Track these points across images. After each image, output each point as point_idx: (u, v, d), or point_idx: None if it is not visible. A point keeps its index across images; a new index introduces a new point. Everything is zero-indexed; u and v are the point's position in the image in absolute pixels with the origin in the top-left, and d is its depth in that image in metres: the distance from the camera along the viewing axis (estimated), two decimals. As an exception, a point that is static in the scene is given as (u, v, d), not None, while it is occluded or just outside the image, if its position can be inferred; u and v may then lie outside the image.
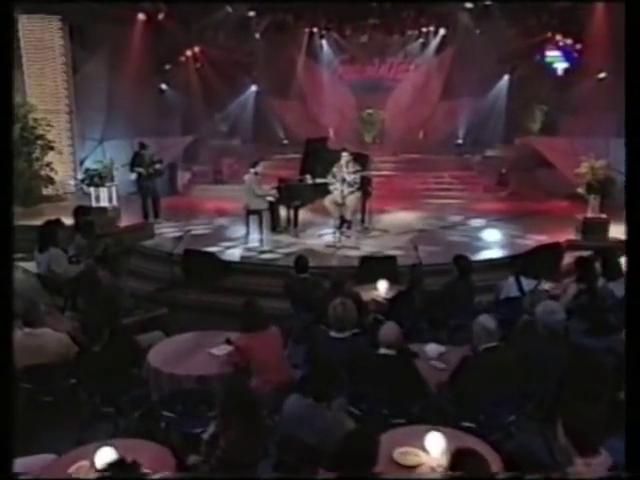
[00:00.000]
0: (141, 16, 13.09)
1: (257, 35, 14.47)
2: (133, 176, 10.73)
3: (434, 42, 15.56)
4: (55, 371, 4.64)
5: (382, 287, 6.54)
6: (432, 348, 4.89)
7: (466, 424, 3.95)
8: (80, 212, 7.83)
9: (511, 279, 6.08)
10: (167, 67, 14.55)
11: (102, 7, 12.53)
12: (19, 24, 12.24)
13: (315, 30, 15.58)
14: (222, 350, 4.86)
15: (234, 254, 8.99)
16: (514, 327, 5.17)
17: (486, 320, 4.27)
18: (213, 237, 9.98)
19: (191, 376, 4.53)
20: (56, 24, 12.63)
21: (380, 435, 3.22)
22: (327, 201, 9.28)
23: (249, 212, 9.93)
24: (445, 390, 4.31)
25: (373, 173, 10.59)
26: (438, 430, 3.48)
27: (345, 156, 9.18)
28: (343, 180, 8.97)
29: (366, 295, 6.25)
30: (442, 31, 15.35)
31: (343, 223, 9.17)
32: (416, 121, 16.05)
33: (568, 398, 3.69)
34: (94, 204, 10.78)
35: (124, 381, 4.53)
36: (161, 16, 13.18)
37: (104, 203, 10.87)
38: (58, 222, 7.20)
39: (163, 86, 15.04)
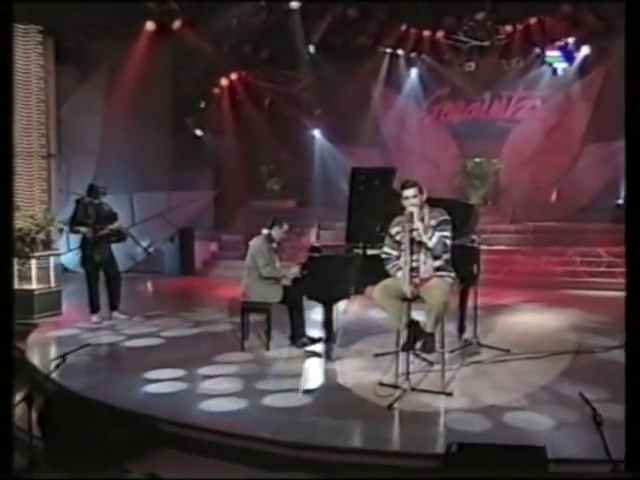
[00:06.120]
0: (150, 25, 9.39)
1: (311, 48, 10.22)
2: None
3: (575, 62, 10.81)
4: None
5: None
6: None
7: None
8: None
9: None
10: (194, 103, 10.82)
11: (99, 20, 9.12)
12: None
13: (400, 52, 11.35)
14: None
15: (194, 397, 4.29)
16: None
17: None
18: (182, 350, 5.39)
19: None
20: (34, 37, 9.26)
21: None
22: (380, 293, 4.22)
23: (246, 307, 5.35)
24: None
25: (483, 247, 5.71)
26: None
27: (411, 193, 4.07)
28: (414, 243, 3.94)
29: None
30: (585, 49, 10.68)
31: (415, 340, 4.13)
32: (547, 175, 11.21)
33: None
34: (17, 284, 6.69)
35: None
36: (177, 24, 9.43)
37: (34, 284, 6.76)
38: None
39: (198, 132, 11.49)
